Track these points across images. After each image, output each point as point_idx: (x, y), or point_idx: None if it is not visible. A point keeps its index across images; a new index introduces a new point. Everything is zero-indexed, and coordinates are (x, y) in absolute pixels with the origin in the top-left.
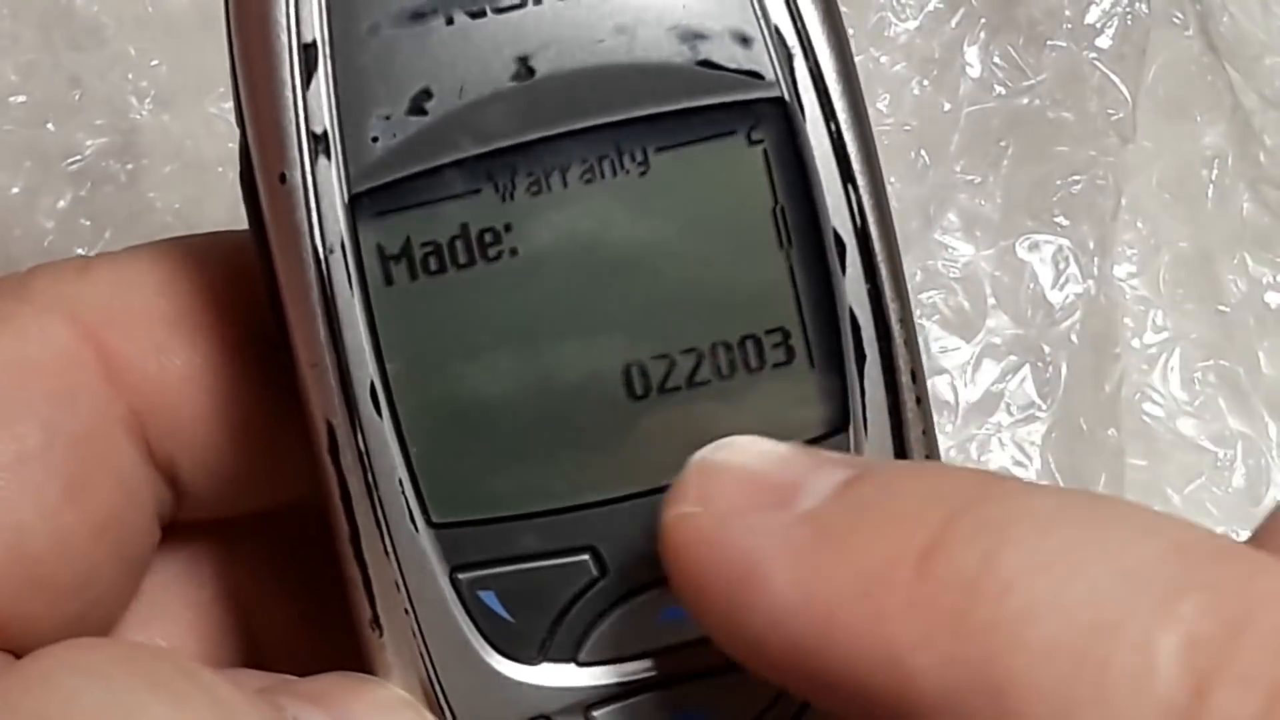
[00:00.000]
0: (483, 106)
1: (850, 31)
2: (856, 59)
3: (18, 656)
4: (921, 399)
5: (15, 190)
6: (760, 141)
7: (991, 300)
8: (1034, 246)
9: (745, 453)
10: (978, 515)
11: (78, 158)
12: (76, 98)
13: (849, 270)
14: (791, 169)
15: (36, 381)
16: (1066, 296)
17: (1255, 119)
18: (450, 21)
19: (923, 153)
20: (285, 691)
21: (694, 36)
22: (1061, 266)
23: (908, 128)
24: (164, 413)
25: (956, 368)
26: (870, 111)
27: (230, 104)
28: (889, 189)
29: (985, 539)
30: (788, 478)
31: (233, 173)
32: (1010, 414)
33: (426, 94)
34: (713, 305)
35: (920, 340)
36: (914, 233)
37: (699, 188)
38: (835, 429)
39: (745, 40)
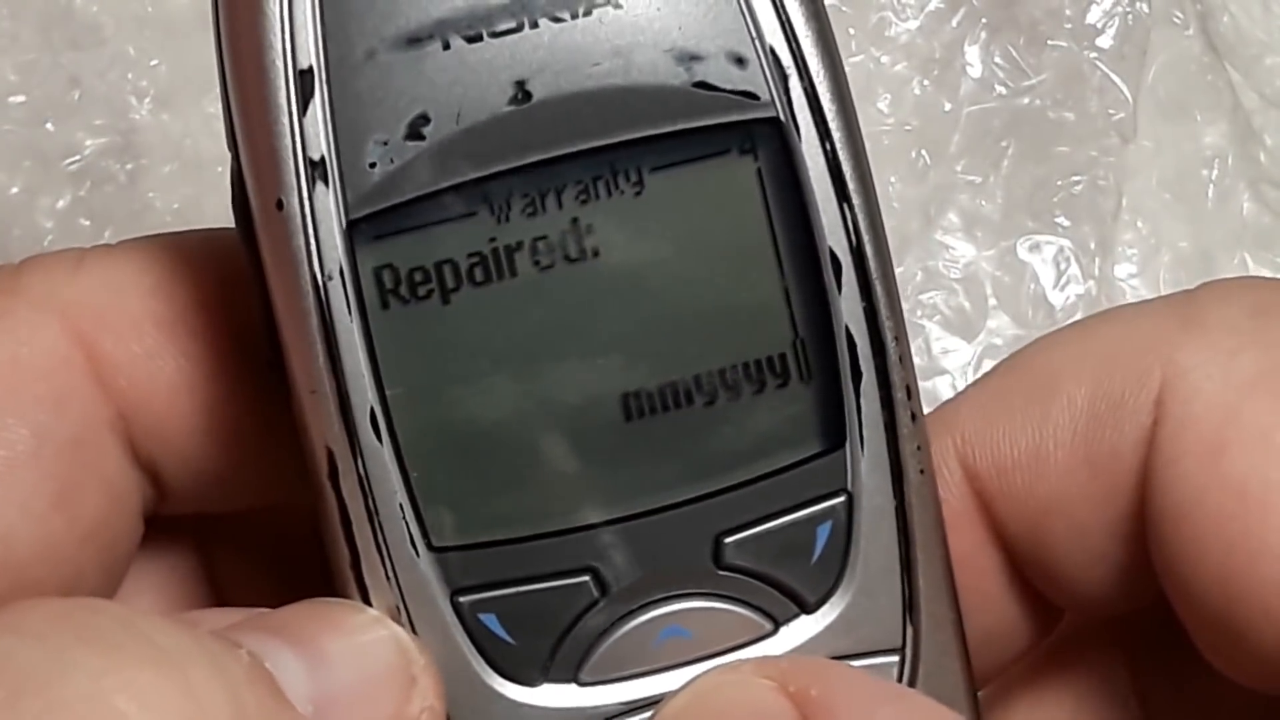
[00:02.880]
0: (480, 131)
1: (851, 31)
2: (857, 59)
3: None
4: (916, 415)
5: (15, 190)
6: (756, 161)
7: (992, 301)
8: (1035, 247)
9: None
10: None
11: (77, 158)
12: (76, 97)
13: (845, 289)
14: (787, 188)
15: (27, 384)
16: (1067, 297)
17: (1255, 119)
18: (447, 46)
19: (923, 153)
20: (248, 626)
21: (690, 58)
22: (1062, 267)
23: (908, 128)
24: (151, 416)
25: (957, 369)
26: (871, 111)
27: None
28: (889, 189)
29: None
30: None
31: None
32: None
33: (424, 119)
34: (709, 325)
35: (921, 341)
36: (914, 233)
37: (695, 207)
38: (831, 446)
39: (740, 61)
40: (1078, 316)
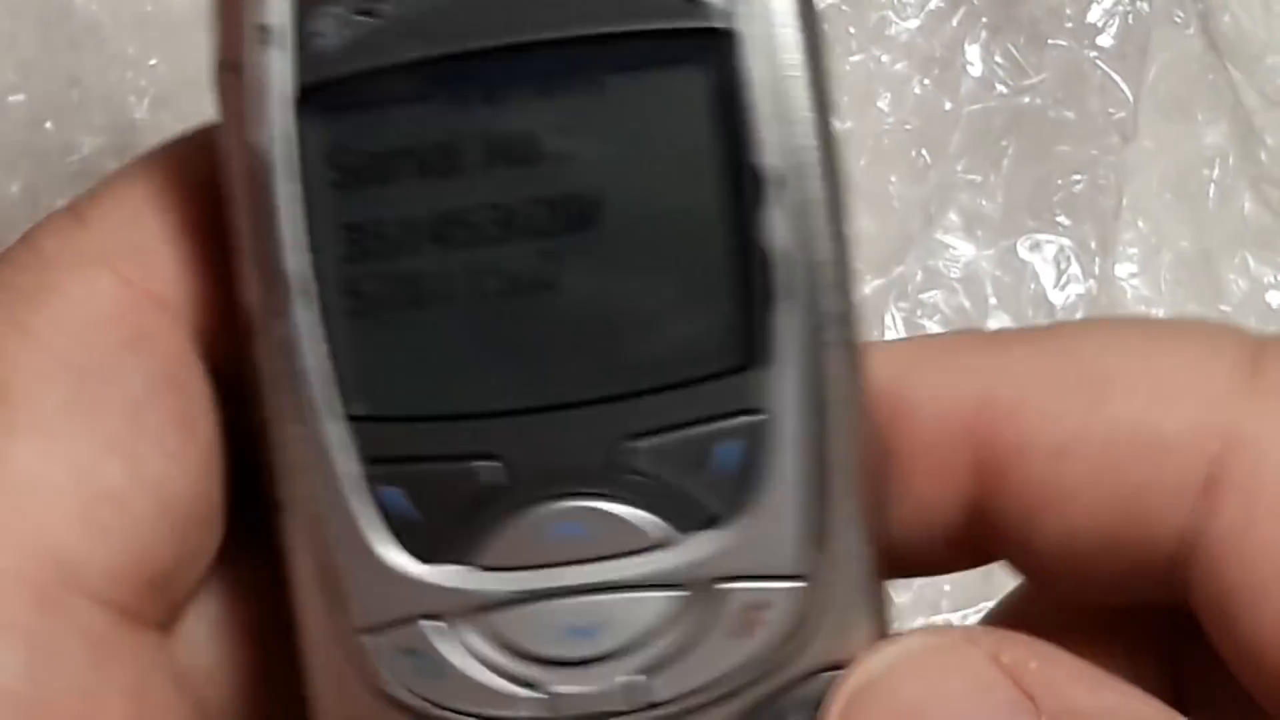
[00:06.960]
0: (434, 12)
1: (851, 30)
2: (857, 58)
3: (168, 622)
4: (850, 341)
5: (15, 190)
6: (703, 70)
7: (993, 300)
8: (1035, 246)
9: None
10: None
11: (77, 157)
12: (76, 97)
13: (776, 206)
14: (731, 100)
15: (108, 333)
16: (1068, 296)
17: (1257, 118)
18: None
19: (924, 152)
20: None
21: None
22: (1063, 266)
23: (909, 127)
24: (210, 329)
25: None
26: (871, 111)
27: None
28: (889, 188)
29: None
30: None
31: None
32: None
33: None
34: (639, 228)
35: None
36: (915, 232)
37: (641, 112)
38: (751, 363)
39: None
40: (1078, 315)
